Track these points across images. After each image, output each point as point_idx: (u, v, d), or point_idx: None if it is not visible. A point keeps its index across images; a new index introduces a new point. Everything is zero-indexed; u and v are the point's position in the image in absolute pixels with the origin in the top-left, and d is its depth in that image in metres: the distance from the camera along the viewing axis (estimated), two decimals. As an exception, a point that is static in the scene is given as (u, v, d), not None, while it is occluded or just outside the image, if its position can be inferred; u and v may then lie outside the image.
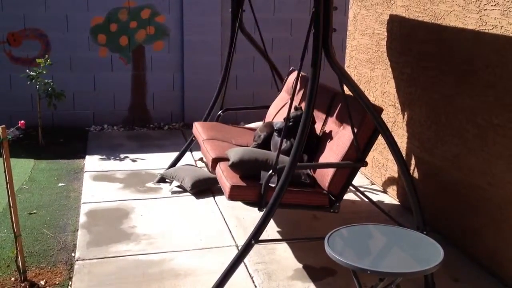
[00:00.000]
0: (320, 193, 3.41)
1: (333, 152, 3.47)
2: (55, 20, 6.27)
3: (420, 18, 4.09)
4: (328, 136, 3.68)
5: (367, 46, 4.97)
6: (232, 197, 3.28)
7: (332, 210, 3.41)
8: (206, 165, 4.58)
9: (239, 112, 6.73)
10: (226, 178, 3.39)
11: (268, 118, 4.76)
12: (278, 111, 4.62)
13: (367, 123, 3.35)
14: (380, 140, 4.66)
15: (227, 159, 3.60)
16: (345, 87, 3.28)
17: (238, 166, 3.40)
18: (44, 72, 5.64)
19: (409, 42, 4.24)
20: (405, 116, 4.36)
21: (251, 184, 3.30)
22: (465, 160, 3.63)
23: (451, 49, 3.74)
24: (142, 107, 6.76)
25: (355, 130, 3.30)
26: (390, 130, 3.55)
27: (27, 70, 5.69)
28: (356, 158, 3.36)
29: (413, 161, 4.27)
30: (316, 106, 4.06)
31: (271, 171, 3.21)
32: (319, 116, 3.97)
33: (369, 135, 3.39)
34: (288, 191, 3.16)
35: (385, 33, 4.62)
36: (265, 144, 4.03)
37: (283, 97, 4.73)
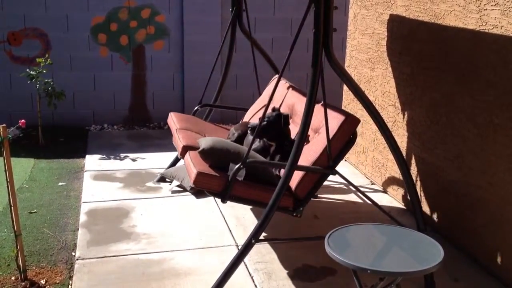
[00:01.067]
0: (285, 195, 3.29)
1: (305, 156, 3.41)
2: (55, 20, 6.27)
3: (420, 18, 4.10)
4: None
5: (367, 45, 4.97)
6: (197, 183, 3.22)
7: (295, 214, 3.38)
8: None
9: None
10: (194, 164, 3.34)
11: (246, 119, 4.76)
12: (256, 112, 4.61)
13: (343, 133, 3.34)
14: (381, 140, 4.67)
15: (197, 148, 3.55)
16: (345, 87, 3.28)
17: (208, 154, 3.35)
18: (44, 71, 5.64)
19: (410, 41, 4.25)
20: (406, 116, 4.36)
21: (218, 174, 3.26)
22: (465, 160, 3.63)
23: (452, 48, 3.74)
24: (142, 106, 6.76)
25: (330, 137, 3.28)
26: (391, 129, 3.55)
27: (27, 70, 5.69)
28: (327, 165, 3.34)
29: (413, 161, 4.27)
30: (295, 111, 4.06)
31: (240, 164, 3.18)
32: (296, 122, 3.95)
33: (343, 145, 3.37)
34: (254, 186, 3.15)
35: (386, 33, 4.62)
36: (238, 142, 4.01)
37: (262, 100, 4.71)
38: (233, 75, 6.70)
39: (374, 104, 3.86)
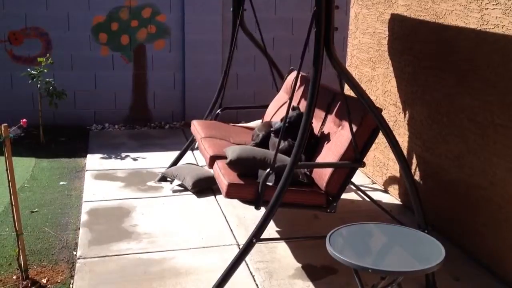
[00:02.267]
0: (317, 193, 3.40)
1: (331, 152, 3.47)
2: (56, 19, 6.28)
3: (421, 17, 4.10)
4: (326, 136, 3.67)
5: (368, 45, 4.97)
6: (229, 194, 3.27)
7: (329, 210, 3.40)
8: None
9: (239, 111, 6.73)
10: (223, 176, 3.38)
11: (266, 117, 4.76)
12: (276, 111, 4.61)
13: (366, 124, 3.34)
14: (382, 139, 4.67)
15: (225, 157, 3.60)
16: (346, 86, 3.28)
17: (235, 164, 3.39)
18: (45, 71, 5.65)
19: (411, 41, 4.24)
20: (407, 115, 4.36)
21: (249, 182, 3.30)
22: (466, 159, 3.63)
23: (453, 48, 3.74)
24: (143, 106, 6.76)
25: (354, 130, 3.30)
26: (392, 129, 3.55)
27: (28, 69, 5.70)
28: (354, 158, 3.36)
29: (414, 160, 4.27)
30: (316, 105, 4.05)
31: (268, 170, 3.20)
32: (318, 116, 3.97)
33: (368, 136, 3.38)
34: (286, 190, 3.15)
35: (387, 32, 4.62)
36: (263, 143, 4.02)
37: (282, 97, 4.73)
38: (234, 74, 6.70)
39: (375, 104, 3.85)
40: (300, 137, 3.03)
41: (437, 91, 3.93)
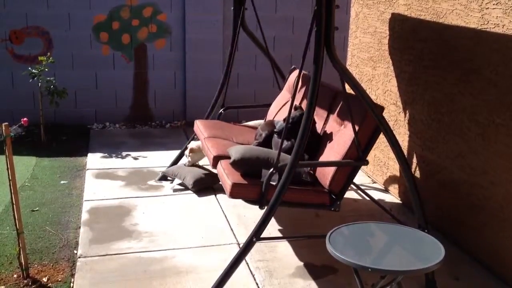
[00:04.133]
0: (320, 192, 3.41)
1: (334, 150, 3.48)
2: (57, 18, 6.28)
3: (422, 16, 4.10)
4: (329, 135, 3.68)
5: (369, 44, 4.97)
6: (233, 194, 3.28)
7: (333, 209, 3.42)
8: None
9: (241, 110, 6.73)
10: (227, 176, 3.39)
11: (269, 116, 4.77)
12: (279, 110, 4.62)
13: (368, 122, 3.35)
14: (382, 139, 4.67)
15: (228, 157, 3.60)
16: (346, 86, 3.28)
17: (239, 164, 3.40)
18: (46, 69, 5.65)
19: (411, 40, 4.25)
20: (407, 115, 4.37)
21: (252, 182, 3.31)
22: (466, 159, 3.63)
23: (453, 47, 3.74)
24: (144, 105, 6.77)
25: (356, 129, 3.30)
26: (392, 128, 3.56)
27: (29, 68, 5.70)
28: (357, 156, 3.37)
29: (414, 160, 4.28)
30: (317, 104, 4.05)
31: (272, 169, 3.21)
32: (320, 115, 3.97)
33: (370, 134, 3.39)
34: (289, 189, 3.16)
35: (387, 32, 4.62)
36: (266, 142, 4.03)
37: (284, 96, 4.73)
38: (235, 73, 6.70)
39: (376, 103, 3.86)
40: (301, 136, 3.03)
41: (437, 91, 3.93)
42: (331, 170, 3.38)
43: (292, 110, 3.77)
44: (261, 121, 4.84)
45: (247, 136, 4.42)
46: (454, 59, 3.73)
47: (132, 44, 6.54)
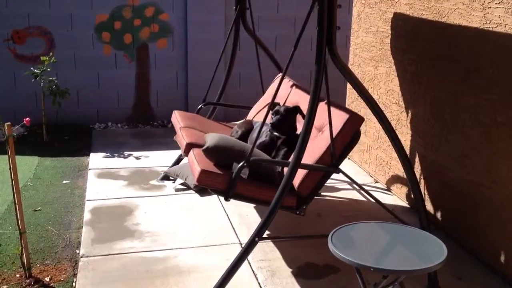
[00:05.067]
0: (288, 194, 3.25)
1: (308, 154, 3.39)
2: (59, 18, 6.29)
3: (424, 16, 4.09)
4: None
5: (371, 44, 4.97)
6: (200, 181, 3.23)
7: (297, 212, 3.38)
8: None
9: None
10: (198, 162, 3.35)
11: (249, 118, 4.76)
12: (259, 111, 4.61)
13: (347, 131, 3.34)
14: (384, 138, 4.66)
15: (201, 146, 3.55)
16: (348, 85, 3.28)
17: (212, 152, 3.36)
18: (49, 69, 5.66)
19: (413, 40, 4.24)
20: (409, 114, 4.36)
21: (222, 171, 3.27)
22: (469, 158, 3.63)
23: (455, 47, 3.73)
24: (146, 105, 6.77)
25: (334, 136, 3.28)
26: (394, 128, 3.55)
27: (32, 68, 5.71)
28: (330, 163, 3.34)
29: (417, 159, 4.27)
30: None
31: (243, 162, 3.18)
32: (299, 119, 3.95)
33: (347, 143, 3.38)
34: (258, 186, 3.16)
35: (389, 31, 4.62)
36: (241, 140, 4.02)
37: (265, 99, 4.72)
38: (237, 73, 6.69)
39: (378, 103, 3.86)
40: (302, 138, 3.02)
41: (439, 90, 3.93)
42: (302, 173, 3.33)
43: (276, 107, 3.76)
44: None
45: (223, 132, 4.38)
46: (456, 59, 3.73)
47: (134, 44, 6.55)
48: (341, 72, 3.18)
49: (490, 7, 3.37)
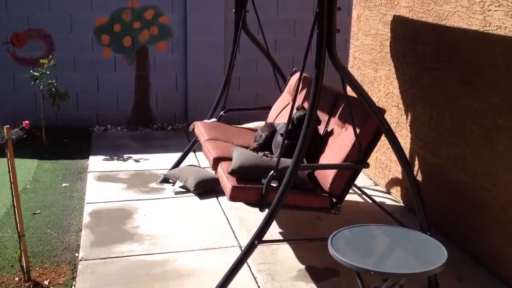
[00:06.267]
0: (321, 195, 3.40)
1: (335, 153, 3.47)
2: (58, 21, 6.29)
3: (423, 18, 4.09)
4: (330, 137, 3.67)
5: (370, 46, 4.97)
6: (233, 197, 3.27)
7: (333, 212, 3.40)
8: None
9: (242, 112, 6.72)
10: (227, 178, 3.38)
11: (270, 119, 4.76)
12: (279, 112, 4.61)
13: (369, 125, 3.35)
14: (384, 141, 4.66)
15: (228, 159, 3.59)
16: (348, 88, 3.28)
17: (238, 173, 3.37)
18: (48, 72, 5.65)
19: (413, 42, 4.24)
20: (409, 117, 4.36)
21: (252, 185, 3.30)
22: (468, 161, 3.63)
23: (455, 49, 3.73)
24: (145, 107, 6.77)
25: (357, 132, 3.29)
26: (394, 130, 3.54)
27: (31, 71, 5.71)
28: (357, 159, 3.36)
29: (416, 162, 4.27)
30: (318, 107, 4.04)
31: (272, 172, 3.20)
32: (321, 118, 3.96)
33: (371, 137, 3.38)
34: (289, 193, 3.15)
35: (389, 34, 4.62)
36: (266, 144, 4.02)
37: (285, 98, 4.73)
38: (236, 76, 6.70)
39: (377, 105, 3.86)
40: (302, 138, 3.02)
41: (439, 93, 3.93)
42: (331, 173, 3.37)
43: (295, 110, 3.76)
44: (261, 123, 4.83)
45: (247, 138, 4.41)
46: (456, 61, 3.73)
47: (133, 47, 6.55)
48: (341, 75, 3.18)
49: (490, 10, 3.37)
